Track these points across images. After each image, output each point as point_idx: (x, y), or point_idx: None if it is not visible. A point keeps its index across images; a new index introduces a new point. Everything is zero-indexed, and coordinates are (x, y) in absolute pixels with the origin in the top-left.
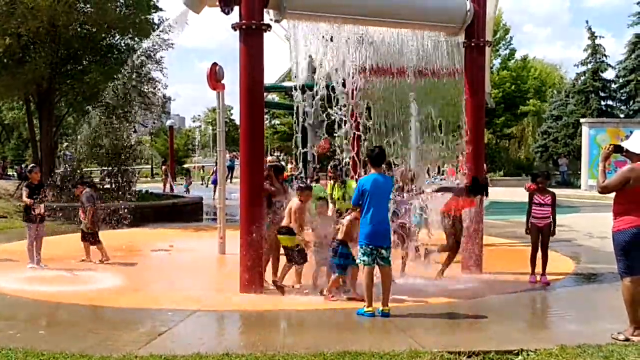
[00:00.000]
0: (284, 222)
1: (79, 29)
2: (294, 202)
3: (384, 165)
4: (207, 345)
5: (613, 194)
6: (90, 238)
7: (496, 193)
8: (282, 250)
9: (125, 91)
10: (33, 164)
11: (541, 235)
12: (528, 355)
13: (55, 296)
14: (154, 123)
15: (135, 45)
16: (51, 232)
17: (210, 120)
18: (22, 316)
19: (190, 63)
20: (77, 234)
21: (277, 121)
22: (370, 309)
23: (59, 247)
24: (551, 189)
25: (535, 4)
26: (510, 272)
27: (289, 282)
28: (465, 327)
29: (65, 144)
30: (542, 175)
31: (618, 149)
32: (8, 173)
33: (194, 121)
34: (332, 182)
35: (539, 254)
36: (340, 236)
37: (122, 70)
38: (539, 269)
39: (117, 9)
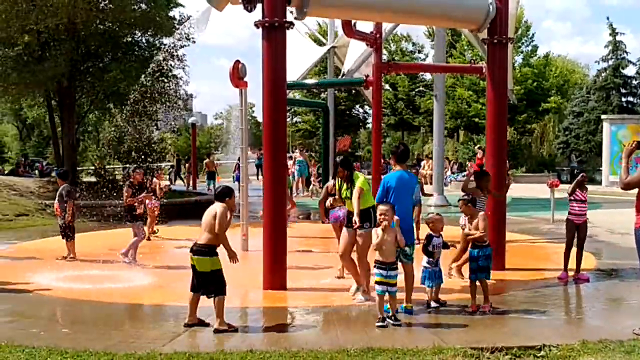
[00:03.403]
0: (204, 238)
1: (100, 26)
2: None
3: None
4: (231, 342)
5: (635, 191)
6: (67, 233)
7: (518, 189)
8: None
9: (147, 88)
10: (136, 165)
11: (578, 232)
12: (550, 350)
13: (78, 294)
14: (176, 120)
15: (157, 42)
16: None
17: (231, 118)
18: (45, 314)
19: (207, 60)
20: (105, 232)
21: (298, 119)
22: (409, 305)
23: (88, 244)
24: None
25: (553, 0)
26: (531, 268)
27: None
28: (487, 323)
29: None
30: (584, 172)
31: None
32: (29, 171)
33: (216, 119)
34: (339, 180)
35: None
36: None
37: (144, 68)
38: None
39: (137, 5)
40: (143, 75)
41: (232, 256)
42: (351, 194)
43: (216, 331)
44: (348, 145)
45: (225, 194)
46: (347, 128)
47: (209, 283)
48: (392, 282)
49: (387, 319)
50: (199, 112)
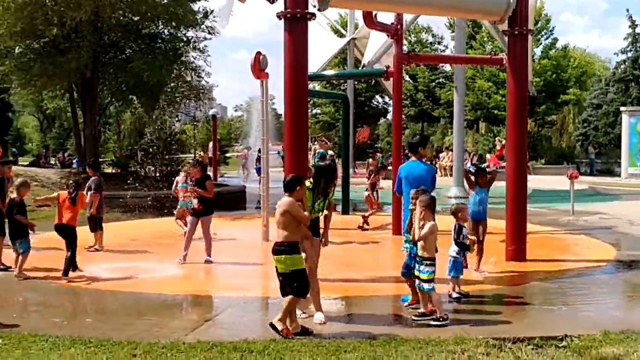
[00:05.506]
0: (280, 236)
1: (121, 18)
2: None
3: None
4: (254, 331)
5: None
6: (95, 224)
7: (538, 181)
8: None
9: (172, 80)
10: (196, 160)
11: None
12: (572, 340)
13: (102, 284)
14: (199, 111)
15: (180, 35)
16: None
17: (252, 110)
18: (69, 304)
19: (223, 53)
20: (128, 222)
21: (318, 110)
22: (414, 296)
23: (112, 235)
24: (592, 177)
25: None
26: (552, 259)
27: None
28: (509, 314)
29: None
30: None
31: None
32: (50, 162)
33: (236, 110)
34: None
35: None
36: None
37: (167, 60)
38: None
39: None
40: (166, 66)
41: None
42: (323, 207)
43: (271, 325)
44: (367, 137)
45: (291, 184)
46: (366, 119)
47: (288, 283)
48: (422, 277)
49: (417, 317)
50: (219, 104)
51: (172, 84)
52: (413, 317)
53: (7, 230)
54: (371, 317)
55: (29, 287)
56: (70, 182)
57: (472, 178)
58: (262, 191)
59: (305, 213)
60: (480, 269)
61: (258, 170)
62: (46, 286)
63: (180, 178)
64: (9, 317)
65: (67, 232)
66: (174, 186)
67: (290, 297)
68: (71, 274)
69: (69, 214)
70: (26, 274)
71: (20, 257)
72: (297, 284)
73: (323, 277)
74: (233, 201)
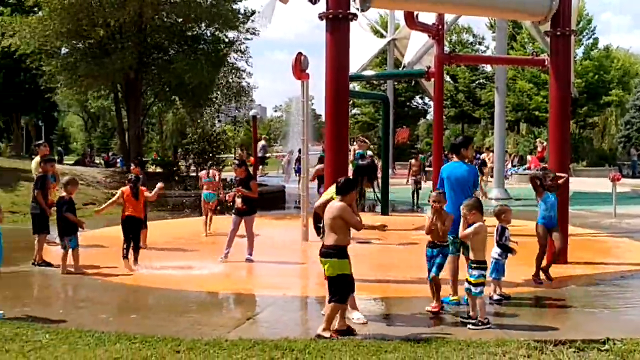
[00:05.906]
0: (330, 239)
1: (165, 19)
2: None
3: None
4: (294, 330)
5: None
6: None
7: (579, 183)
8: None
9: (211, 80)
10: (241, 160)
11: None
12: (614, 344)
13: (145, 281)
14: (238, 111)
15: (222, 36)
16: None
17: (291, 111)
18: (114, 301)
19: (260, 53)
20: (171, 221)
21: (357, 110)
22: (455, 297)
23: (155, 233)
24: (634, 180)
25: None
26: (594, 262)
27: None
28: (551, 316)
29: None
30: None
31: None
32: (95, 161)
33: (275, 111)
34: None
35: None
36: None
37: (209, 61)
38: None
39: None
40: (207, 67)
41: (379, 228)
42: (357, 205)
43: (318, 337)
44: (407, 137)
45: (346, 187)
46: (406, 119)
47: (332, 287)
48: (471, 281)
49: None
50: (258, 104)
51: (217, 83)
52: (460, 319)
53: (50, 228)
54: (411, 318)
55: (75, 284)
56: (131, 177)
57: (538, 183)
58: (301, 191)
59: (357, 218)
60: (539, 278)
61: (298, 170)
62: (92, 283)
63: (202, 174)
64: (56, 313)
65: (135, 224)
66: (200, 183)
67: (332, 304)
68: (114, 270)
69: (134, 207)
70: (85, 270)
71: (71, 254)
72: (340, 289)
73: (362, 278)
74: (272, 201)
